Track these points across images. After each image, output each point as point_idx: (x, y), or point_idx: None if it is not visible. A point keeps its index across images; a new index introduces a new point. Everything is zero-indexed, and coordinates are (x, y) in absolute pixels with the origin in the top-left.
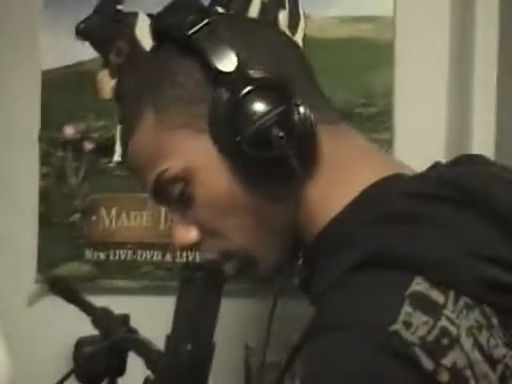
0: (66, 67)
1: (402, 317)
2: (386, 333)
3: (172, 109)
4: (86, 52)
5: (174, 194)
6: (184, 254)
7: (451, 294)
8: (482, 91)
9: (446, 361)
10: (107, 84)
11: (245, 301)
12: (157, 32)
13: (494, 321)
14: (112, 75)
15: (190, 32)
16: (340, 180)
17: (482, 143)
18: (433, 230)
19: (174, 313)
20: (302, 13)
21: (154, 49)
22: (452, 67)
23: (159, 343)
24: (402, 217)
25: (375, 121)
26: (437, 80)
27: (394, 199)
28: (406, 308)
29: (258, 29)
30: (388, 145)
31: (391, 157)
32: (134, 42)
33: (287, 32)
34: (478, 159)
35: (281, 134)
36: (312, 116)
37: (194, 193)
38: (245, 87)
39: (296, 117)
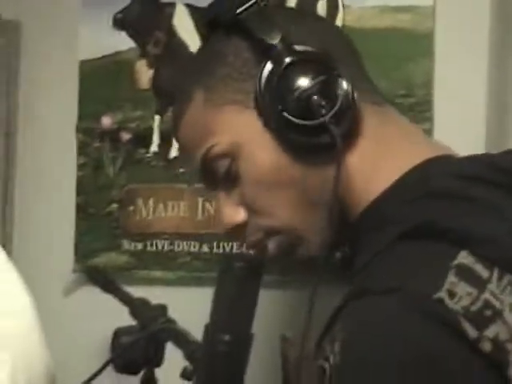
0: (104, 57)
1: (446, 285)
2: (430, 300)
3: (221, 86)
4: (123, 42)
5: (221, 170)
6: (221, 245)
7: (496, 270)
8: None
9: (489, 332)
10: (144, 74)
11: (282, 292)
12: (206, 21)
13: None
14: (150, 65)
15: (238, 11)
16: (385, 157)
17: None
18: (481, 208)
19: (211, 303)
20: (340, 3)
21: (204, 39)
22: (492, 57)
23: (197, 334)
24: (449, 195)
25: (415, 111)
26: (476, 70)
27: (442, 179)
28: (451, 277)
29: (303, 13)
30: (428, 135)
31: (436, 141)
32: (171, 33)
33: None
34: None
35: (322, 102)
36: (354, 91)
37: (240, 169)
38: (288, 59)
39: (337, 88)
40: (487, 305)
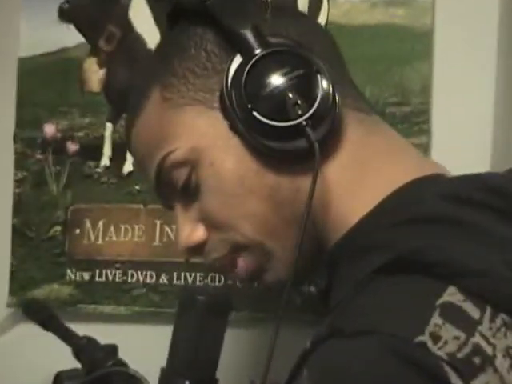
0: (47, 54)
1: (430, 328)
2: (410, 344)
3: (181, 84)
4: (70, 37)
5: (179, 181)
6: (182, 275)
7: (488, 309)
8: None
9: (477, 382)
10: (95, 74)
11: (252, 331)
12: (169, 9)
13: None
14: (101, 64)
15: None
16: (368, 174)
17: None
18: (472, 237)
19: (170, 343)
20: None
21: (166, 30)
22: (500, 60)
23: (152, 379)
24: (438, 220)
25: (409, 122)
26: (482, 75)
27: (431, 201)
28: (436, 319)
29: (281, 5)
30: (424, 150)
31: (427, 157)
32: (127, 27)
33: None
34: None
35: (298, 100)
36: (336, 95)
37: (200, 179)
38: (260, 51)
39: (316, 86)
40: (476, 351)
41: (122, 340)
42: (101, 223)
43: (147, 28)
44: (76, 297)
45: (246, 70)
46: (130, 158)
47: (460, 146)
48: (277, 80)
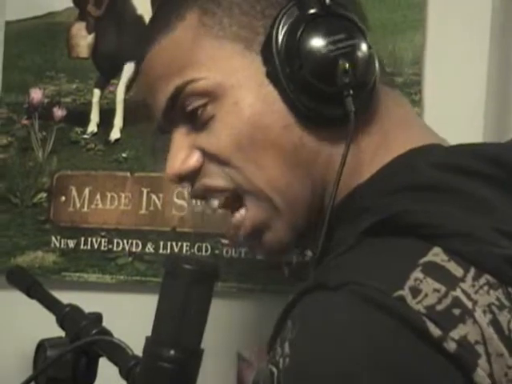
0: (35, 18)
1: (410, 282)
2: (389, 297)
3: (224, 15)
4: (58, 1)
5: (192, 109)
6: (169, 244)
7: (472, 269)
8: None
9: (455, 333)
10: (83, 40)
11: (239, 302)
12: None
13: None
14: (89, 29)
15: None
16: (390, 144)
17: None
18: (460, 202)
19: (155, 312)
20: None
21: None
22: (494, 31)
23: (137, 348)
24: (428, 186)
25: (402, 93)
26: (476, 46)
27: (422, 169)
28: (417, 274)
29: None
30: None
31: (429, 129)
32: None
33: None
34: None
35: (346, 68)
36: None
37: (219, 111)
38: (318, 10)
39: (366, 58)
40: (456, 303)
41: (106, 309)
42: (87, 190)
43: None
44: (60, 265)
45: (303, 25)
46: (117, 125)
47: (452, 118)
48: (331, 44)
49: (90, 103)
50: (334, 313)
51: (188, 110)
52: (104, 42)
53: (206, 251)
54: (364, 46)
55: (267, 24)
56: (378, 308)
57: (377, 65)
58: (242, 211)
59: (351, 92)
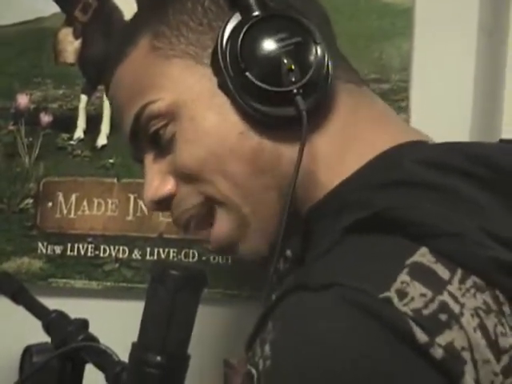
0: (21, 24)
1: (396, 285)
2: (375, 299)
3: (174, 36)
4: (45, 6)
5: (154, 131)
6: (155, 251)
7: (459, 271)
8: None
9: (441, 339)
10: (70, 45)
11: (225, 308)
12: None
13: (506, 309)
14: (76, 35)
15: None
16: (355, 144)
17: None
18: (448, 201)
19: (141, 318)
20: None
21: None
22: (481, 38)
23: (123, 354)
24: (413, 184)
25: (389, 99)
26: (463, 53)
27: (407, 166)
28: (404, 276)
29: None
30: None
31: (411, 126)
32: None
33: None
34: None
35: (292, 67)
36: (330, 64)
37: (179, 130)
38: (260, 12)
39: (312, 55)
40: (443, 308)
41: (93, 315)
42: (73, 197)
43: None
44: (47, 271)
45: (245, 29)
46: (104, 131)
47: (439, 124)
48: (274, 44)
49: (76, 109)
50: (317, 315)
51: (150, 133)
52: (91, 47)
53: (193, 257)
54: (310, 43)
55: (215, 36)
56: (362, 311)
57: (330, 62)
58: (214, 227)
59: (300, 91)
